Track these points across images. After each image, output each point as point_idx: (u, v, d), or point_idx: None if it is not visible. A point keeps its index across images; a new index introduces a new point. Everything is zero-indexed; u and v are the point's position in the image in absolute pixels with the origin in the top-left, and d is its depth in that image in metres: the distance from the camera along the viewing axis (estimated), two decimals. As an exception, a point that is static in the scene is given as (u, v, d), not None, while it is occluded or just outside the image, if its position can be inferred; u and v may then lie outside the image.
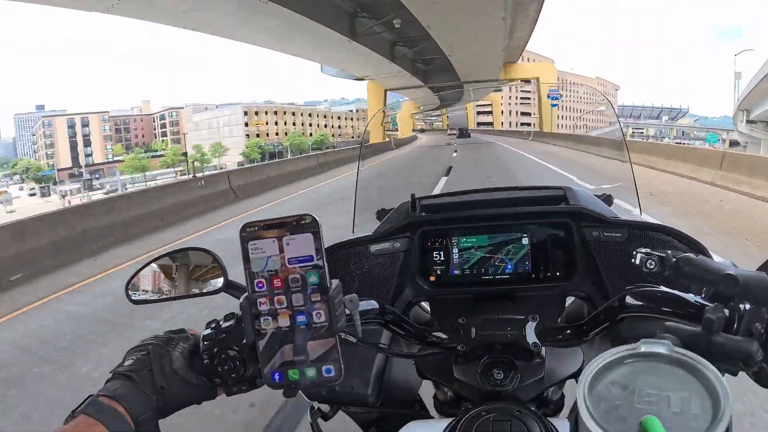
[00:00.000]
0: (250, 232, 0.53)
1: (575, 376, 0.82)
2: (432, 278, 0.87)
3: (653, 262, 0.59)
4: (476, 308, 0.82)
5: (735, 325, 0.50)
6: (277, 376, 0.54)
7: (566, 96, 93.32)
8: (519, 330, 0.71)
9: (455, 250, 0.86)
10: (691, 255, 0.57)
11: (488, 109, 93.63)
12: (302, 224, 0.53)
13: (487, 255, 0.86)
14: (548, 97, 50.68)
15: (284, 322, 0.53)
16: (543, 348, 0.73)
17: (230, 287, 0.69)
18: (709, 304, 0.52)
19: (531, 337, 0.70)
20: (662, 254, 0.59)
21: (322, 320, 0.53)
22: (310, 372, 0.53)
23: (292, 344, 0.53)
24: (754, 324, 0.49)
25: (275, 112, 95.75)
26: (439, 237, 0.87)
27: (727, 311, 0.51)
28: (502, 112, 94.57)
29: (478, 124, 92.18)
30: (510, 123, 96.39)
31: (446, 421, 0.66)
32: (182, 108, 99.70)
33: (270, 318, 0.53)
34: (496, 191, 1.02)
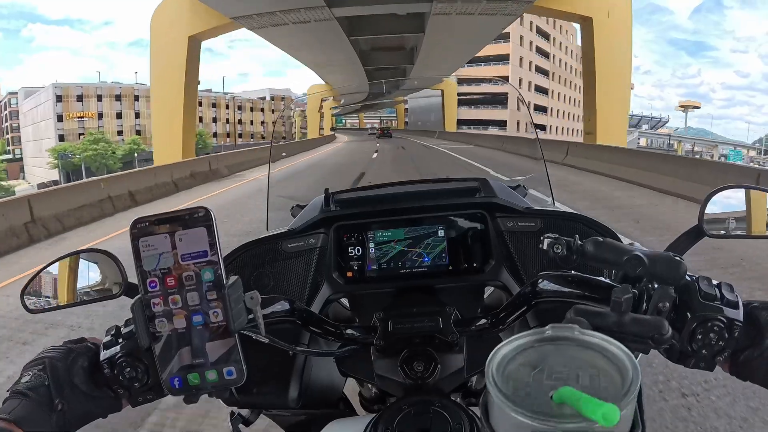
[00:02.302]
0: (141, 228, 0.51)
1: None
2: (349, 274, 0.86)
3: (560, 246, 0.60)
4: (395, 303, 0.83)
5: (644, 305, 0.53)
6: (176, 382, 0.52)
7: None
8: (435, 321, 0.71)
9: (372, 245, 0.86)
10: (598, 238, 0.58)
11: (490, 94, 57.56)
12: (195, 218, 0.51)
13: (405, 249, 0.85)
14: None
15: (180, 323, 0.51)
16: (462, 338, 0.74)
17: (130, 290, 0.65)
18: (619, 285, 0.53)
19: (448, 328, 0.71)
20: (569, 239, 0.60)
21: (219, 319, 0.51)
22: (211, 375, 0.51)
23: (190, 346, 0.51)
24: (662, 302, 0.52)
25: (118, 97, 58.09)
26: (355, 232, 0.86)
27: (637, 292, 0.53)
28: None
29: (464, 122, 58.93)
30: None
31: (368, 418, 0.66)
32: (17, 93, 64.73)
33: (165, 319, 0.51)
34: (412, 184, 1.03)
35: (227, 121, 72.15)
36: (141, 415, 2.39)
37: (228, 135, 70.44)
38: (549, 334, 0.42)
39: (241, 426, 0.79)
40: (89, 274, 0.67)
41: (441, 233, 0.86)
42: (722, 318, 0.53)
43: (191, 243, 0.50)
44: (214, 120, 70.84)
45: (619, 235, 0.81)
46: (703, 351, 0.53)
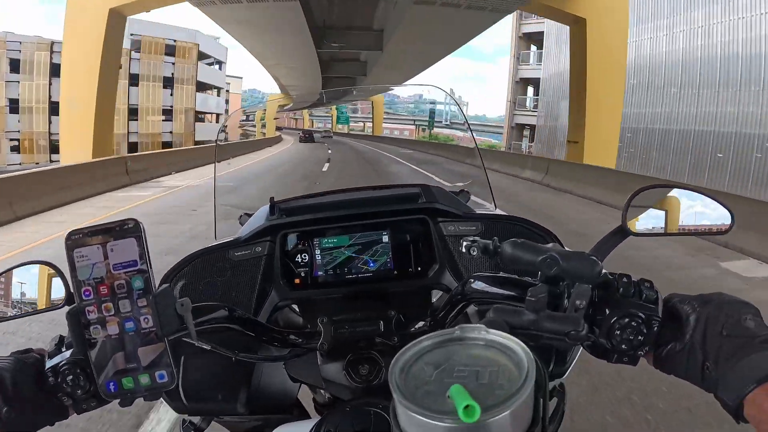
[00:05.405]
0: (75, 240, 0.53)
1: None
2: (297, 281, 0.88)
3: (476, 249, 0.64)
4: (342, 308, 0.85)
5: (565, 304, 0.55)
6: (112, 386, 0.54)
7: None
8: (377, 325, 0.73)
9: (318, 252, 0.88)
10: (516, 240, 0.60)
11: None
12: (125, 229, 0.54)
13: (351, 255, 0.88)
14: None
15: (113, 329, 0.53)
16: (404, 341, 0.76)
17: (72, 301, 0.67)
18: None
19: (389, 331, 0.73)
20: (488, 241, 0.63)
21: (149, 325, 0.53)
22: (144, 379, 0.54)
23: (123, 352, 0.54)
24: (579, 300, 0.54)
25: None
26: (301, 239, 0.88)
27: (558, 291, 0.56)
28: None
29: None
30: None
31: (313, 422, 0.68)
32: None
33: (99, 326, 0.53)
34: (356, 191, 1.05)
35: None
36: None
37: None
38: (457, 334, 0.44)
39: None
40: (33, 286, 0.68)
41: (385, 239, 0.88)
42: (639, 314, 0.54)
43: (122, 253, 0.53)
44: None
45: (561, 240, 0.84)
46: (623, 346, 0.55)
